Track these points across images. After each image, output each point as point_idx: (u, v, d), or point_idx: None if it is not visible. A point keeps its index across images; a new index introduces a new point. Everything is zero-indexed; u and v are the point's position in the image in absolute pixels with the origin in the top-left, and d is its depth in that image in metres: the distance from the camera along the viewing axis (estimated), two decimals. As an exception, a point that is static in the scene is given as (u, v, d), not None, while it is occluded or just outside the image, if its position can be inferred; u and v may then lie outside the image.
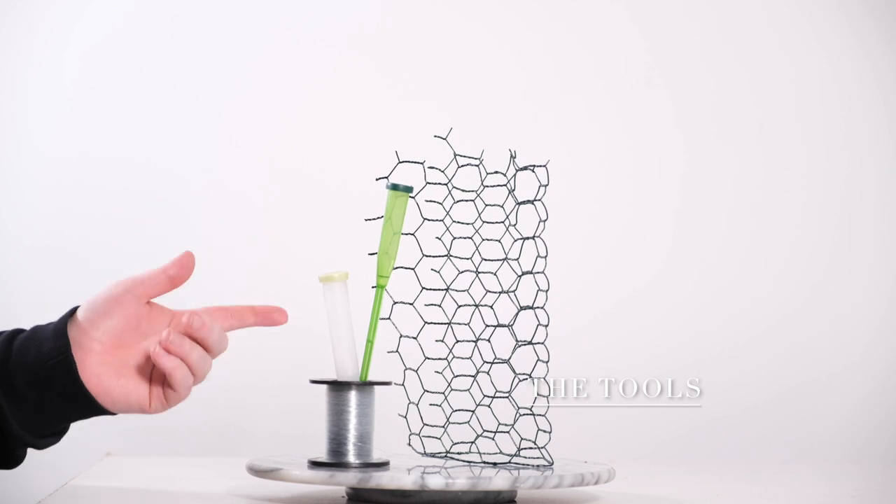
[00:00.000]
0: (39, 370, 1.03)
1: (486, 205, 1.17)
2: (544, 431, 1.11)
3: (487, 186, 1.17)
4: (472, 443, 1.17)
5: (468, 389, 1.15)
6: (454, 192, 1.16)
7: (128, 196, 1.71)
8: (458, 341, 1.17)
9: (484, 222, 1.16)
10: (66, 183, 1.71)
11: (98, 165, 1.71)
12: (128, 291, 1.05)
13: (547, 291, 1.12)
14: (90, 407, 1.04)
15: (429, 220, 1.16)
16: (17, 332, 1.07)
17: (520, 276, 1.14)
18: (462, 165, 1.16)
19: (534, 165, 1.13)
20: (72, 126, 1.72)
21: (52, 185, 1.71)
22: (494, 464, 1.13)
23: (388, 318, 1.14)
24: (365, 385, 1.08)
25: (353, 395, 1.07)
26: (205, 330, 1.04)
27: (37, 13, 1.71)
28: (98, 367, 1.04)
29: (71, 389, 1.03)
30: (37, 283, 1.70)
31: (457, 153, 1.16)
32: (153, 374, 1.06)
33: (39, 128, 1.72)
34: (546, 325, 1.11)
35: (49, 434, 1.07)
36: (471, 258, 1.16)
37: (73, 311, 1.06)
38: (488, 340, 1.15)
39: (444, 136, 1.16)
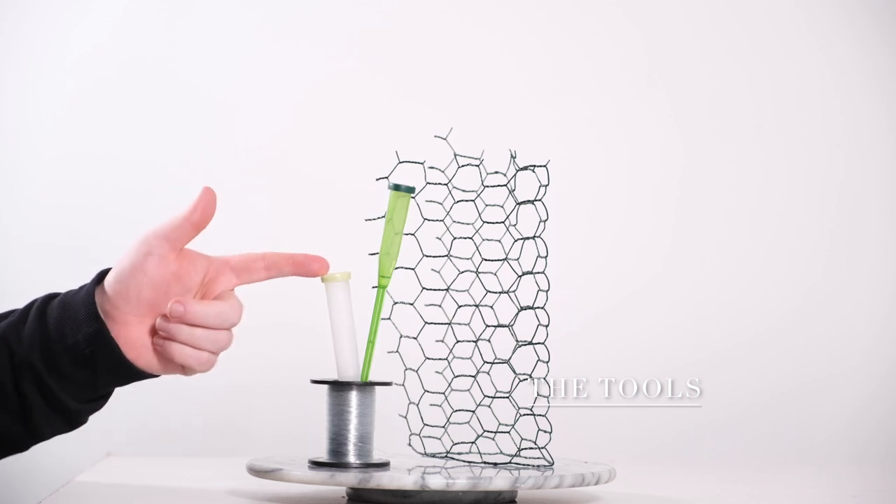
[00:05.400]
0: (82, 353, 1.02)
1: (487, 205, 1.17)
2: (544, 431, 1.11)
3: (488, 186, 1.16)
4: (473, 443, 1.16)
5: (468, 390, 1.15)
6: (454, 192, 1.16)
7: (128, 193, 1.71)
8: (458, 341, 1.17)
9: (484, 222, 1.16)
10: (67, 180, 1.71)
11: (98, 163, 1.71)
12: (150, 254, 1.02)
13: (547, 291, 1.12)
14: (136, 376, 1.04)
15: (429, 220, 1.16)
16: (47, 304, 1.04)
17: (520, 276, 1.14)
18: (462, 165, 1.16)
19: (534, 165, 1.13)
20: (71, 124, 1.72)
21: (52, 183, 1.71)
22: (495, 464, 1.13)
23: (389, 319, 1.14)
24: (366, 385, 1.08)
25: (353, 396, 1.07)
26: (188, 317, 1.02)
27: (37, 12, 1.71)
28: (138, 339, 1.03)
29: (117, 367, 1.02)
30: (38, 281, 1.69)
31: (457, 153, 1.16)
32: None
33: (39, 125, 1.72)
34: (546, 325, 1.11)
35: (99, 397, 1.06)
36: (471, 258, 1.16)
37: (101, 279, 1.03)
38: (488, 340, 1.15)
39: (444, 137, 1.16)
